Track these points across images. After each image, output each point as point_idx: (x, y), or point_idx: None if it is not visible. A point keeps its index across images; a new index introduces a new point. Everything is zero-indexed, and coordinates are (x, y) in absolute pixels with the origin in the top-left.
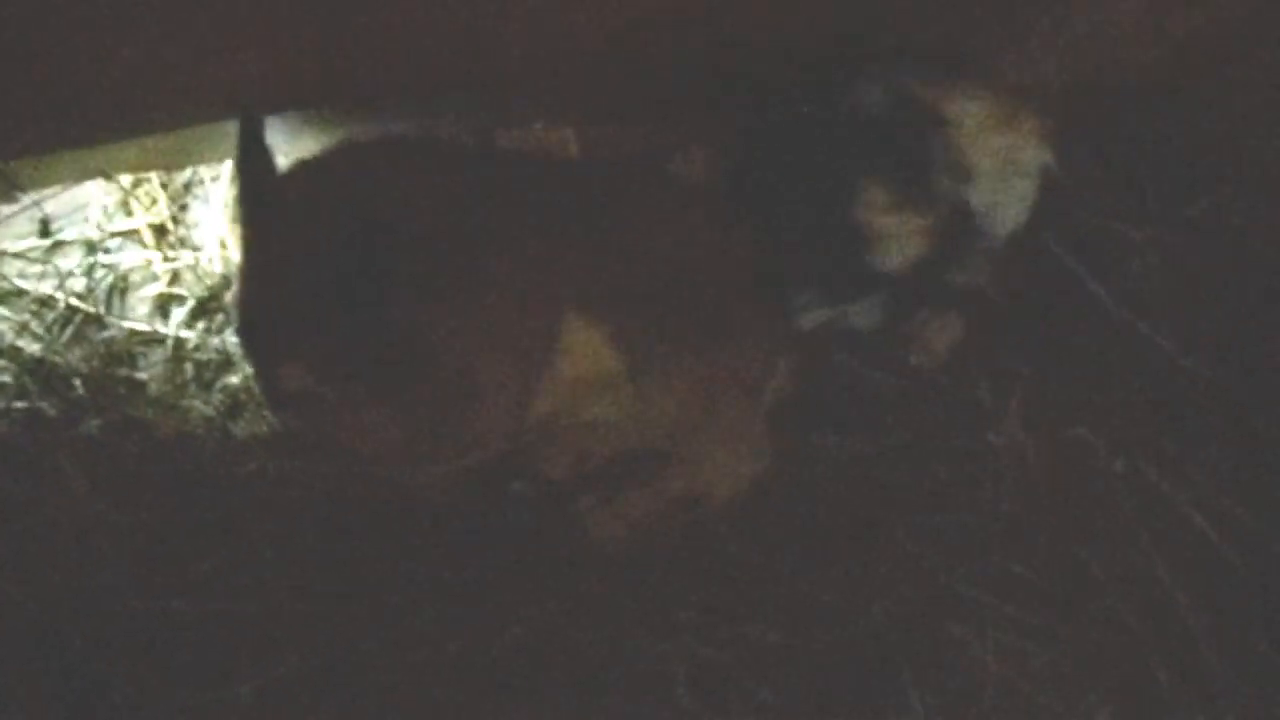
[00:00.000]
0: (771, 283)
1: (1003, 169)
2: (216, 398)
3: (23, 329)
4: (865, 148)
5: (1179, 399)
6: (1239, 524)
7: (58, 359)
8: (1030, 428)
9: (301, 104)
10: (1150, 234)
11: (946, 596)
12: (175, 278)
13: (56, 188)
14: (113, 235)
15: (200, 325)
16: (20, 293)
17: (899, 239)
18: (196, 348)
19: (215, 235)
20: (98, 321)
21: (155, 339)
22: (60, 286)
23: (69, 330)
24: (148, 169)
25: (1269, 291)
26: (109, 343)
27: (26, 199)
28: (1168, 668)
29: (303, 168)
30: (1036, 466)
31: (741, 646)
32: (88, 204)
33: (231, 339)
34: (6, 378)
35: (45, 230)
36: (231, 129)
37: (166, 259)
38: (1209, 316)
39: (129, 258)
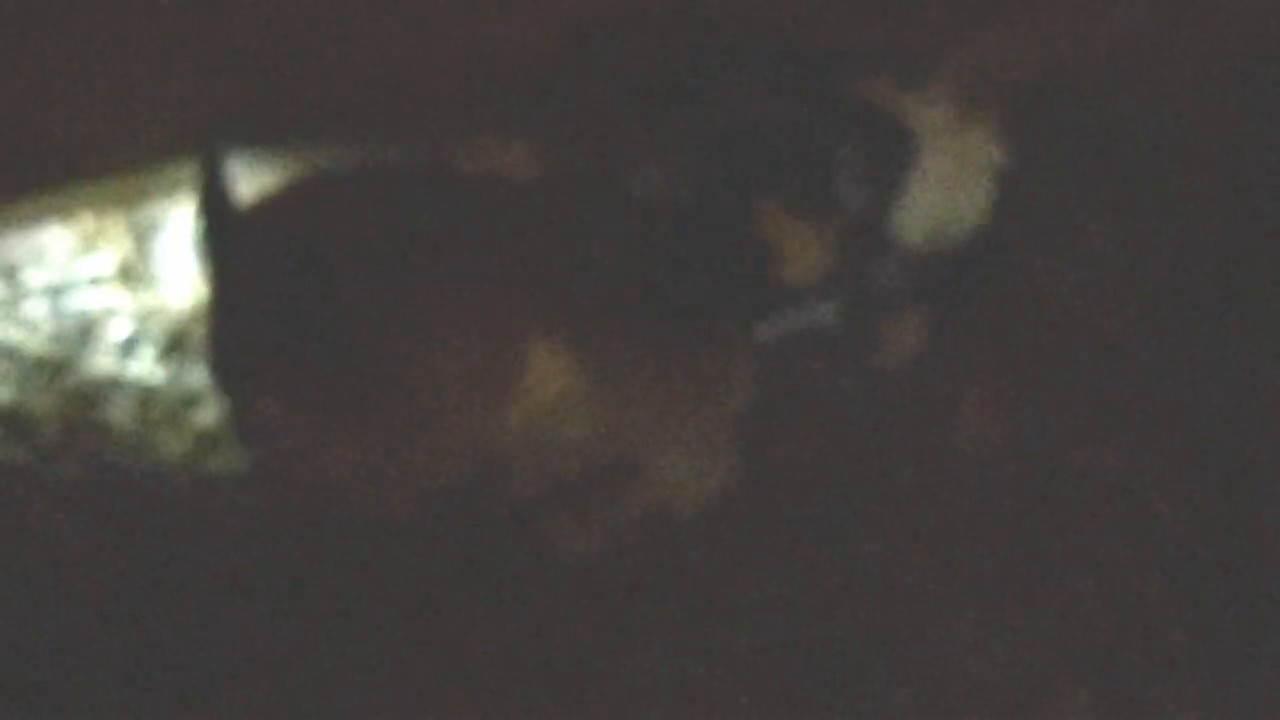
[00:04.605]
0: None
1: (959, 173)
2: (189, 436)
3: None
4: (763, 158)
5: (1137, 387)
6: (1201, 508)
7: (27, 404)
8: (990, 422)
9: (264, 138)
10: (1105, 223)
11: (915, 594)
12: (142, 317)
13: (17, 232)
14: (77, 278)
15: (169, 364)
16: None
17: (803, 255)
18: (166, 386)
19: (180, 273)
20: (66, 366)
21: (125, 380)
22: (26, 331)
23: (37, 374)
24: (110, 209)
25: (1224, 277)
26: (78, 386)
27: None
28: (1138, 653)
29: (264, 201)
30: (998, 460)
31: (716, 654)
32: (50, 247)
33: (202, 377)
34: None
35: (8, 277)
36: (192, 165)
37: (132, 299)
38: (1166, 304)
39: (94, 299)
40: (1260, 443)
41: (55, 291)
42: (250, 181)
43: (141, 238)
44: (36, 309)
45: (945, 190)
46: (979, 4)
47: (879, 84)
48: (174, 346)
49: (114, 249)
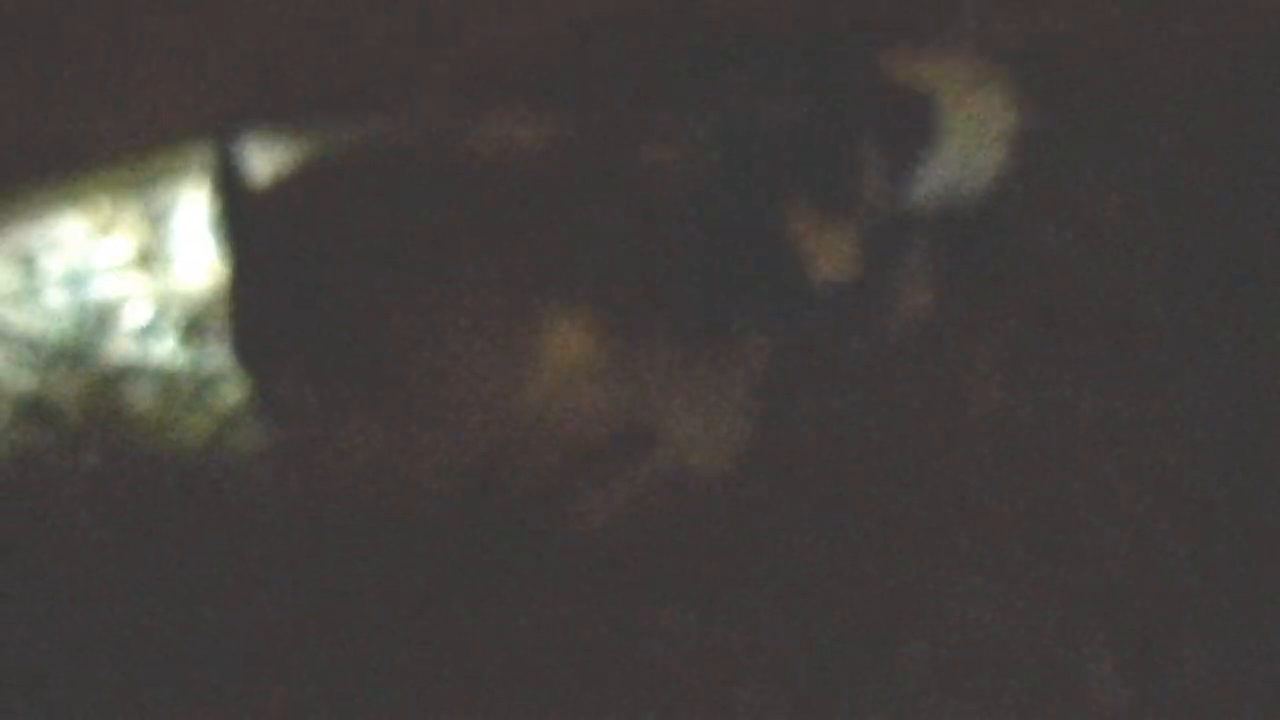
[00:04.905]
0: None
1: (974, 136)
2: (212, 419)
3: (14, 368)
4: (789, 159)
5: (1145, 342)
6: (1215, 455)
7: (51, 394)
8: (1003, 381)
9: (277, 119)
10: (1111, 186)
11: (933, 553)
12: (161, 301)
13: (34, 221)
14: (94, 264)
15: (189, 348)
16: (7, 330)
17: (831, 255)
18: (187, 371)
19: (198, 256)
20: (87, 352)
21: (145, 365)
22: (46, 321)
23: (60, 365)
24: (125, 194)
25: (1229, 233)
26: (99, 373)
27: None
28: (1158, 603)
29: (280, 182)
30: (1011, 419)
31: (740, 622)
32: (67, 234)
33: (223, 359)
34: (1, 418)
35: (26, 266)
36: (206, 148)
37: (149, 284)
38: (1172, 263)
39: (113, 285)
40: (1269, 389)
41: (73, 279)
42: (265, 162)
43: (157, 222)
44: (55, 297)
45: (962, 152)
46: None
47: (893, 54)
48: (194, 330)
49: (130, 234)
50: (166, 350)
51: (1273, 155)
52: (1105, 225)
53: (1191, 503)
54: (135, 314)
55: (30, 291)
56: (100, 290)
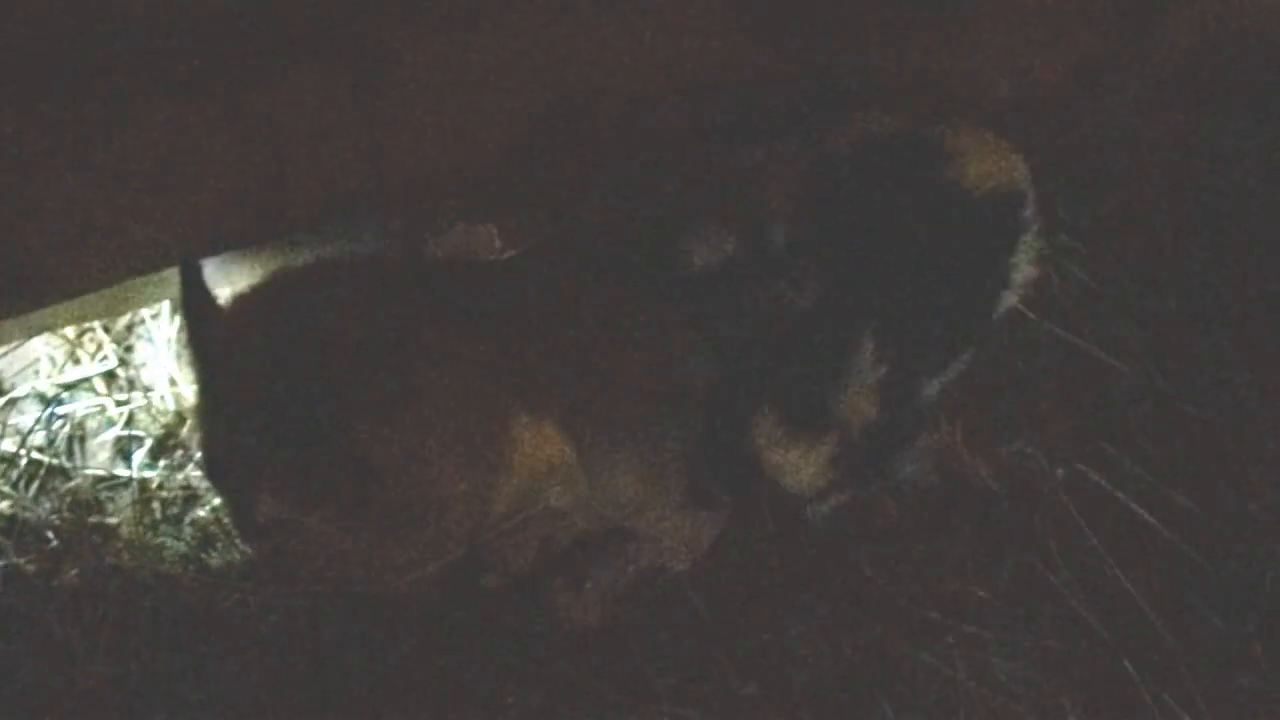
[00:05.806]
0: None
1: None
2: (188, 533)
3: None
4: (759, 366)
5: (1109, 399)
6: (1182, 512)
7: (28, 514)
8: (972, 448)
9: (238, 244)
10: (1061, 243)
11: (913, 624)
12: (131, 419)
13: (3, 347)
14: (65, 386)
15: (162, 463)
16: None
17: (796, 472)
18: (161, 486)
19: (164, 373)
20: (62, 472)
21: (120, 482)
22: (21, 443)
23: (35, 484)
24: (90, 319)
25: (1181, 281)
26: (75, 492)
27: None
28: (1133, 661)
29: (242, 301)
30: (987, 487)
31: (722, 703)
32: (37, 359)
33: (194, 474)
34: None
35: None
36: (168, 273)
37: (119, 402)
38: (1127, 313)
39: (83, 406)
40: (1237, 446)
41: (46, 399)
42: (226, 283)
43: (126, 342)
44: (28, 418)
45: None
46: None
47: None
48: (164, 446)
49: (100, 354)
50: (138, 467)
51: (1244, 208)
52: (1067, 285)
53: (1163, 565)
54: (106, 432)
55: (3, 412)
56: (71, 410)
